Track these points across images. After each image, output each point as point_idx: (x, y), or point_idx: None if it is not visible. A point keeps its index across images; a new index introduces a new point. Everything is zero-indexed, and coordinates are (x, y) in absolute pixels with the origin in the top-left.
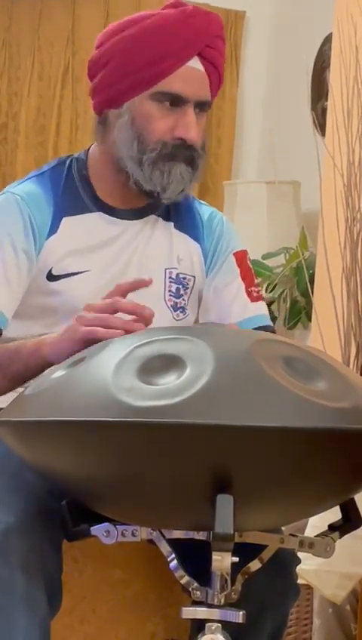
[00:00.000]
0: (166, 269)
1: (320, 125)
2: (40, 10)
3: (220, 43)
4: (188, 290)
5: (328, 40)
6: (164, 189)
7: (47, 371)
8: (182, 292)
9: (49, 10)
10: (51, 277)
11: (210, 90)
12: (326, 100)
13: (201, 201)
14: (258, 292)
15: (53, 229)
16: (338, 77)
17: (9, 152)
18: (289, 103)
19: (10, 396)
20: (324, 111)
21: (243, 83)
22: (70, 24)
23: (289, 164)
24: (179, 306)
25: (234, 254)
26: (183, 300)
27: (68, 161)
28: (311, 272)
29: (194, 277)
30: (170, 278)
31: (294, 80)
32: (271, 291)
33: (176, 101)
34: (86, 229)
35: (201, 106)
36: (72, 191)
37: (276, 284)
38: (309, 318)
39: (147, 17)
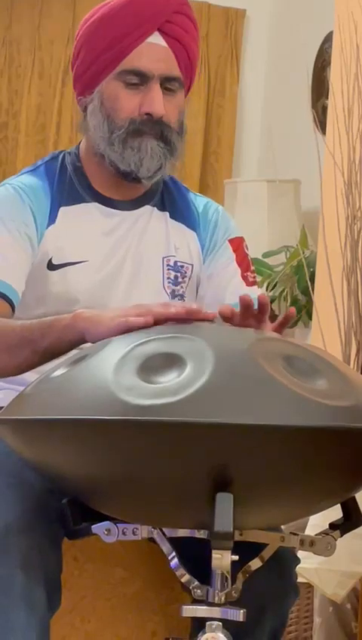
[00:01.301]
0: (163, 257)
1: (321, 123)
2: (40, 8)
3: (184, 19)
4: (186, 278)
5: (328, 38)
6: (138, 166)
7: (47, 369)
8: (180, 279)
9: (49, 9)
10: (51, 266)
11: (180, 67)
12: (327, 98)
13: (197, 194)
14: (253, 278)
15: (52, 218)
16: (339, 75)
17: (9, 151)
18: (290, 102)
19: (11, 395)
20: (325, 109)
21: (243, 81)
22: (70, 22)
23: (289, 162)
24: (177, 293)
25: (229, 241)
26: (181, 287)
27: (61, 156)
28: (311, 270)
29: (192, 265)
30: (168, 265)
31: (294, 78)
32: (271, 290)
33: (140, 78)
34: (83, 218)
35: (169, 82)
36: (67, 182)
37: (276, 283)
38: (310, 317)
39: (107, 3)
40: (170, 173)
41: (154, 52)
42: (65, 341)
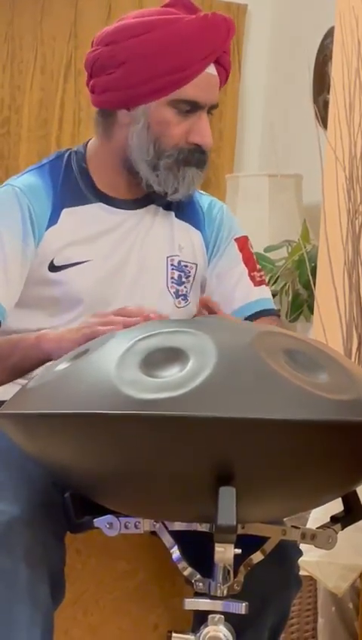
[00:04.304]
0: (168, 257)
1: (322, 118)
2: (42, 3)
3: (229, 45)
4: (191, 278)
5: (330, 33)
6: (175, 191)
7: (49, 364)
8: (183, 279)
9: (51, 4)
10: (53, 267)
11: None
12: (328, 92)
13: (201, 191)
14: (261, 277)
15: (53, 220)
16: (340, 70)
17: (12, 145)
18: (291, 96)
19: (13, 389)
20: (326, 104)
21: (245, 76)
22: (72, 18)
23: (291, 157)
24: (181, 293)
25: (235, 240)
26: (185, 287)
27: (66, 155)
28: (313, 264)
29: (196, 264)
30: (171, 265)
31: (296, 73)
32: (273, 284)
33: (191, 106)
34: (86, 219)
35: (213, 109)
36: (71, 182)
37: (278, 277)
38: (311, 311)
39: (169, 23)
40: None
41: (209, 83)
42: (30, 360)
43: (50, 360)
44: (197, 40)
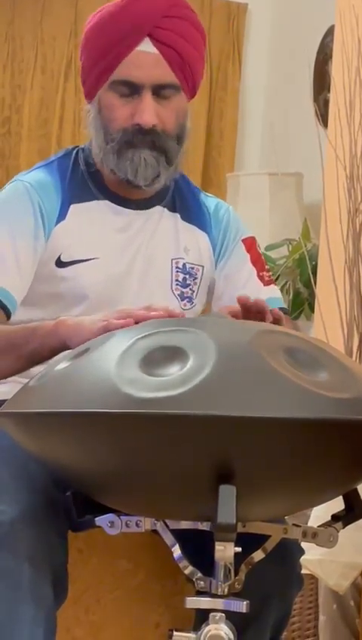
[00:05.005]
0: (172, 259)
1: (323, 117)
2: (42, 3)
3: (176, 22)
4: (197, 280)
5: (330, 32)
6: (134, 176)
7: (50, 362)
8: (189, 282)
9: (51, 4)
10: (60, 263)
11: (175, 72)
12: (329, 91)
13: (207, 194)
14: (269, 277)
15: (62, 215)
16: (341, 69)
17: (12, 145)
18: (292, 95)
19: (16, 388)
20: (326, 102)
21: (245, 75)
22: (73, 17)
23: (291, 155)
24: (186, 295)
25: (242, 240)
26: (191, 289)
27: (74, 152)
28: (313, 263)
29: (203, 267)
30: (176, 267)
31: (296, 72)
32: None
33: (130, 88)
34: (93, 216)
35: (163, 89)
36: (79, 179)
37: (279, 276)
38: (312, 310)
39: (100, 10)
40: (174, 176)
41: (143, 60)
42: (48, 347)
43: (66, 349)
44: (117, 19)
